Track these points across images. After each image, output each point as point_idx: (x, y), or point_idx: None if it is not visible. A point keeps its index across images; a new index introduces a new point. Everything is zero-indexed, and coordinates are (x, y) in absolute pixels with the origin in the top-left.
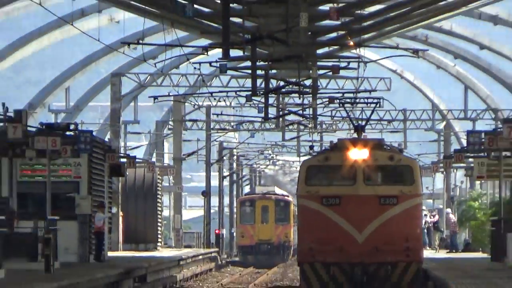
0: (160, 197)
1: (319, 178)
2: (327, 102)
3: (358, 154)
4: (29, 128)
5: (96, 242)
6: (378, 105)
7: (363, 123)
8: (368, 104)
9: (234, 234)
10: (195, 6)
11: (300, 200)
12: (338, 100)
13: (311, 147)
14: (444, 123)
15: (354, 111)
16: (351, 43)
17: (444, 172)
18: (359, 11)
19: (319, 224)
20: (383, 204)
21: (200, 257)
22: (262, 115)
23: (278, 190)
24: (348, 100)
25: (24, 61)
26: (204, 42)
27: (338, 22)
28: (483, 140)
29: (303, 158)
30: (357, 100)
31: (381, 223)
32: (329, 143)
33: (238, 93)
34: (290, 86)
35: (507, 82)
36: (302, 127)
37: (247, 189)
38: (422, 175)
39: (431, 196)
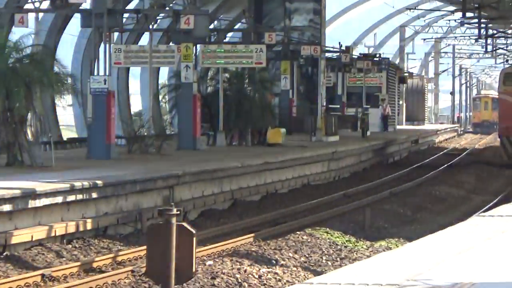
0: (426, 95)
1: None
2: None
3: None
4: (353, 56)
5: (383, 122)
6: None
7: None
8: None
9: (468, 116)
10: None
11: (500, 95)
12: None
13: (507, 60)
14: None
15: None
16: None
17: None
18: None
19: None
20: None
21: (448, 129)
22: (484, 49)
23: (493, 92)
24: None
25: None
26: (451, 8)
27: None
28: None
29: None
30: None
31: None
32: None
33: (470, 37)
34: (500, 33)
35: None
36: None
37: (474, 91)
38: None
39: None
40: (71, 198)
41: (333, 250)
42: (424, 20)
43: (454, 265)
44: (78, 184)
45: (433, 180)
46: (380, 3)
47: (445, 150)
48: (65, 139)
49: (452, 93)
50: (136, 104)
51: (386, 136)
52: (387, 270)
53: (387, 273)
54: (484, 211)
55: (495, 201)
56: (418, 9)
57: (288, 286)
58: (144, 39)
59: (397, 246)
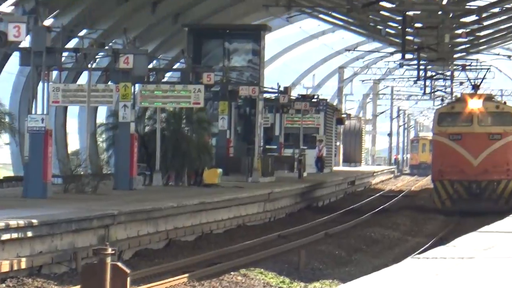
0: (363, 136)
1: (447, 121)
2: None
3: (474, 104)
4: (292, 97)
5: (318, 162)
6: (488, 70)
7: (478, 83)
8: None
9: (405, 158)
10: (387, 29)
11: (434, 136)
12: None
13: (442, 100)
14: None
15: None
16: (471, 50)
17: None
18: (478, 33)
19: (447, 153)
20: (491, 139)
21: (385, 171)
22: (423, 91)
23: (430, 134)
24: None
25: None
26: (391, 49)
27: (466, 39)
28: None
29: None
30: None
31: (489, 152)
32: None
33: (408, 78)
34: (439, 75)
35: None
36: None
37: (412, 132)
38: None
39: None
40: (5, 237)
41: None
42: (363, 62)
43: None
44: (13, 222)
45: (368, 222)
46: (319, 44)
47: (382, 192)
48: (1, 177)
49: (390, 135)
50: (74, 143)
51: (323, 178)
52: None
53: None
54: (419, 253)
55: (430, 243)
56: (357, 51)
57: None
58: (83, 78)
59: None
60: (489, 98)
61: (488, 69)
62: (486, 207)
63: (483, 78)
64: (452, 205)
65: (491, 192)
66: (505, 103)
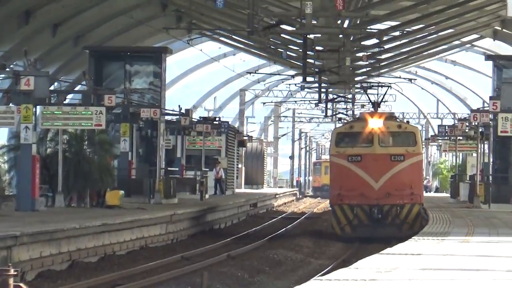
0: (265, 158)
1: (346, 142)
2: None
3: (374, 123)
4: (193, 119)
5: (217, 184)
6: (389, 88)
7: (379, 101)
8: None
9: (308, 180)
10: (288, 52)
11: (332, 158)
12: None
13: (340, 119)
14: (425, 119)
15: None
16: (372, 74)
17: (424, 147)
18: (379, 56)
19: (346, 176)
20: (393, 161)
21: (287, 193)
22: (324, 114)
23: None
24: (367, 85)
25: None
26: (292, 72)
27: (367, 62)
28: (447, 130)
29: None
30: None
31: (392, 175)
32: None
33: (310, 101)
34: (340, 97)
35: (461, 97)
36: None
37: (314, 155)
38: (422, 140)
39: None
40: None
41: None
42: (265, 84)
43: None
44: None
45: (271, 244)
46: (220, 67)
47: (284, 214)
48: None
49: (292, 157)
50: None
51: (225, 200)
52: None
53: None
54: (321, 275)
55: (332, 265)
56: (258, 73)
57: None
58: None
59: None
60: (390, 117)
61: (389, 86)
62: (389, 232)
63: (384, 95)
64: (352, 231)
65: (394, 217)
66: (408, 122)
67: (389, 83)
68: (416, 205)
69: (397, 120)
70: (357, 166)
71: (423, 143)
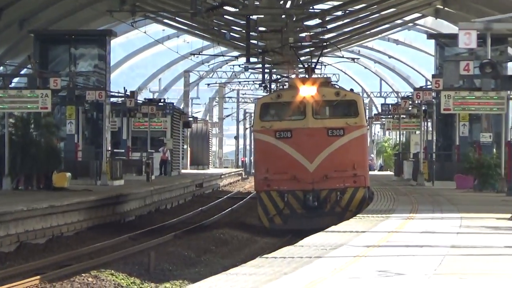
0: (210, 139)
1: (272, 114)
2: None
3: (307, 91)
4: (138, 101)
5: (163, 165)
6: (325, 48)
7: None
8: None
9: (252, 160)
10: (231, 33)
11: (255, 134)
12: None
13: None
14: (369, 98)
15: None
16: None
17: (368, 126)
18: (321, 37)
19: (273, 156)
20: (331, 136)
21: (233, 173)
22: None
23: None
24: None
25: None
26: (236, 53)
27: (310, 43)
28: (390, 108)
29: None
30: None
31: (329, 153)
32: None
33: (254, 81)
34: (284, 77)
35: (404, 75)
36: None
37: None
38: (366, 109)
39: None
40: None
41: None
42: (209, 66)
43: None
44: None
45: (217, 223)
46: (164, 49)
47: (230, 194)
48: None
49: (237, 138)
50: None
51: (171, 180)
52: None
53: None
54: (267, 253)
55: (279, 243)
56: (202, 54)
57: None
58: None
59: None
60: (326, 82)
61: (324, 46)
62: (328, 223)
63: (319, 57)
64: (283, 222)
65: (334, 204)
66: (352, 90)
67: (325, 43)
68: (360, 188)
69: (335, 86)
70: (286, 144)
71: (367, 117)
